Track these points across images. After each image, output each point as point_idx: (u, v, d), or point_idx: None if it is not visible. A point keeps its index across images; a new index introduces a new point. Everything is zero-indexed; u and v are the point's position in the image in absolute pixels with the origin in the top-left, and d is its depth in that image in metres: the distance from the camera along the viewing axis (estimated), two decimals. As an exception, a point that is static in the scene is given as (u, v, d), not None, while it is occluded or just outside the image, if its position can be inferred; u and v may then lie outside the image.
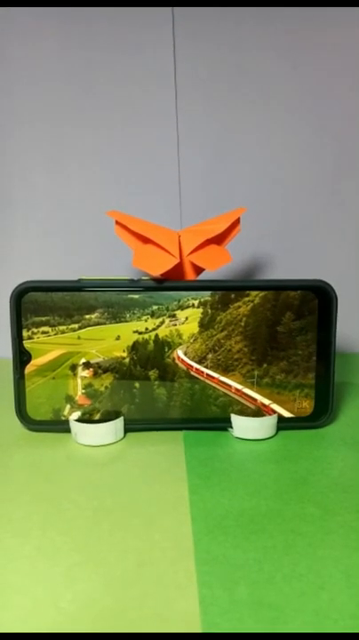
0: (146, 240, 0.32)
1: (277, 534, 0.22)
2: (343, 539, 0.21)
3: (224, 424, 0.32)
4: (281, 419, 0.32)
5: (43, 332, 0.31)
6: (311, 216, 0.49)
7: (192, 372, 0.32)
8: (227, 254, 0.33)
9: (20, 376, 0.31)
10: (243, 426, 0.31)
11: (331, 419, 0.33)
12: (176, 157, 0.48)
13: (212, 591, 0.18)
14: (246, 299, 0.32)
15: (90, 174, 0.48)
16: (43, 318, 0.31)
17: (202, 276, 0.34)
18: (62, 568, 0.20)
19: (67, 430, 0.31)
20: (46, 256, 0.49)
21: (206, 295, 0.32)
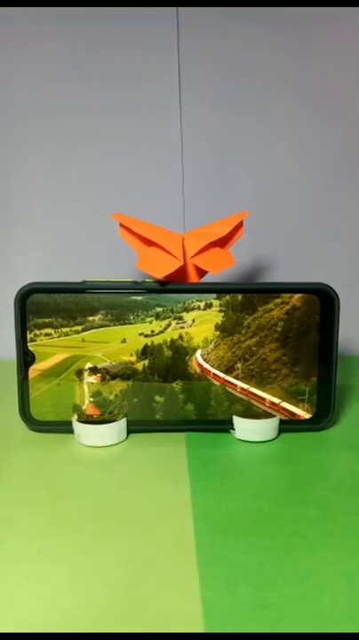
0: (150, 243, 0.33)
1: (279, 536, 0.22)
2: (344, 541, 0.22)
3: (226, 426, 0.32)
4: (282, 421, 0.32)
5: (46, 335, 0.31)
6: (313, 219, 0.49)
7: (209, 377, 0.31)
8: (231, 257, 0.33)
9: (24, 377, 0.31)
10: (245, 428, 0.31)
11: (332, 421, 0.33)
12: (180, 160, 0.48)
13: (214, 593, 0.18)
14: (277, 300, 0.30)
15: (93, 176, 0.48)
16: (46, 320, 0.31)
17: (204, 279, 0.34)
18: (65, 569, 0.20)
19: (71, 431, 0.31)
20: (50, 258, 0.49)
21: (211, 297, 0.31)
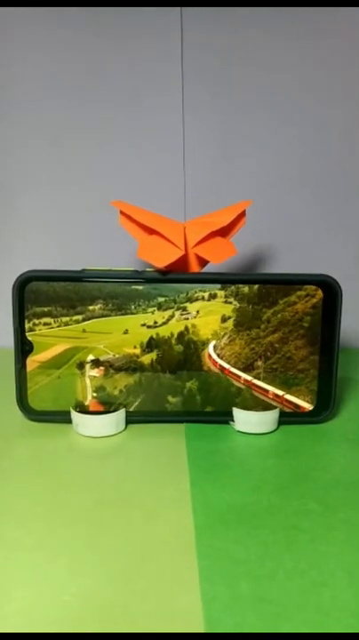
0: (151, 231, 0.32)
1: (279, 530, 0.22)
2: (345, 535, 0.21)
3: (226, 417, 0.32)
4: (282, 413, 0.32)
5: (46, 324, 0.31)
6: (317, 209, 0.49)
7: (225, 374, 0.30)
8: (233, 247, 0.33)
9: (22, 366, 0.31)
10: (245, 419, 0.31)
11: (332, 414, 0.32)
12: (181, 148, 0.47)
13: (214, 586, 0.18)
14: (300, 292, 0.29)
15: (94, 164, 0.47)
16: (45, 309, 0.30)
17: (206, 269, 0.33)
18: (64, 561, 0.20)
19: (69, 421, 0.31)
20: (49, 246, 0.48)
21: (216, 288, 0.30)
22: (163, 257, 0.30)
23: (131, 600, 0.18)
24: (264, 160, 0.48)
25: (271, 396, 0.31)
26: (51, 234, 0.48)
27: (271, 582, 0.19)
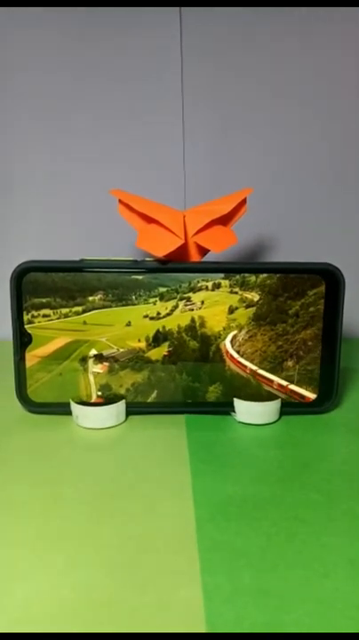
0: (150, 220, 0.32)
1: (280, 521, 0.22)
2: (347, 526, 0.21)
3: (227, 408, 0.31)
4: (284, 403, 0.31)
5: (45, 316, 0.30)
6: (319, 197, 0.48)
7: (246, 373, 0.29)
8: (233, 236, 0.32)
9: (21, 358, 0.31)
10: (246, 410, 0.31)
11: (334, 404, 0.32)
12: (181, 136, 0.46)
13: (215, 578, 0.18)
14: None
15: (93, 152, 0.47)
16: (44, 300, 0.30)
17: (207, 258, 0.33)
18: (63, 554, 0.20)
19: (69, 413, 0.31)
20: (48, 236, 0.48)
21: (219, 277, 0.29)
22: (162, 246, 0.30)
23: (132, 592, 0.18)
24: (264, 148, 0.47)
25: (276, 387, 0.31)
26: (49, 223, 0.48)
27: (272, 574, 0.18)
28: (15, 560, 0.19)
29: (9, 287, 0.30)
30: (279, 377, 0.29)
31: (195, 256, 0.32)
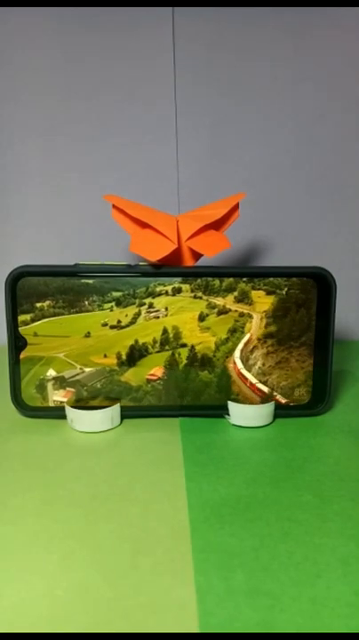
0: (144, 225, 0.32)
1: (274, 522, 0.22)
2: (340, 527, 0.21)
3: (221, 411, 0.32)
4: (278, 406, 0.32)
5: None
6: (311, 202, 0.48)
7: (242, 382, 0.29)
8: (226, 240, 0.33)
9: (16, 362, 0.31)
10: (239, 413, 0.31)
11: (328, 406, 0.32)
12: (174, 141, 0.47)
13: (209, 579, 0.18)
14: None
15: (86, 158, 0.47)
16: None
17: (200, 262, 0.33)
18: (58, 556, 0.20)
19: (64, 417, 0.31)
20: (42, 241, 0.48)
21: (178, 281, 0.28)
22: (155, 250, 0.30)
23: (126, 593, 0.18)
24: (257, 152, 0.47)
25: (248, 385, 0.31)
26: (42, 229, 0.48)
27: (266, 574, 0.19)
28: (8, 562, 0.19)
29: (3, 291, 0.30)
30: (270, 380, 0.30)
31: (188, 260, 0.33)
